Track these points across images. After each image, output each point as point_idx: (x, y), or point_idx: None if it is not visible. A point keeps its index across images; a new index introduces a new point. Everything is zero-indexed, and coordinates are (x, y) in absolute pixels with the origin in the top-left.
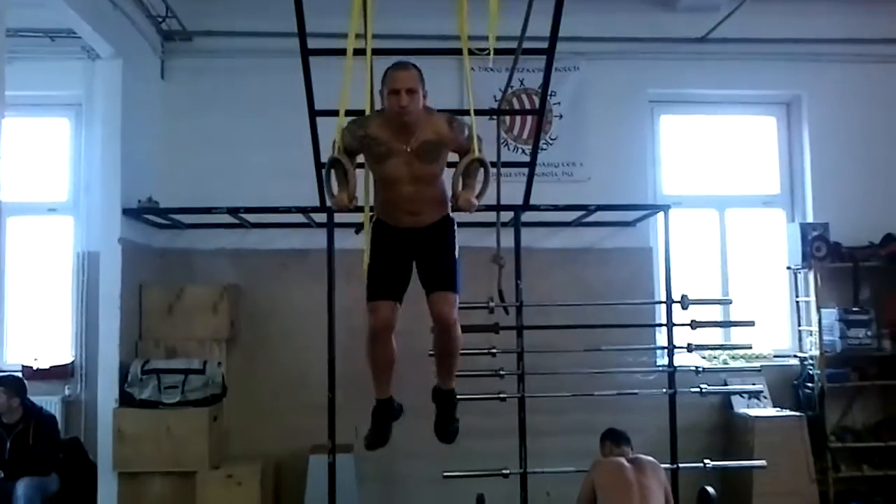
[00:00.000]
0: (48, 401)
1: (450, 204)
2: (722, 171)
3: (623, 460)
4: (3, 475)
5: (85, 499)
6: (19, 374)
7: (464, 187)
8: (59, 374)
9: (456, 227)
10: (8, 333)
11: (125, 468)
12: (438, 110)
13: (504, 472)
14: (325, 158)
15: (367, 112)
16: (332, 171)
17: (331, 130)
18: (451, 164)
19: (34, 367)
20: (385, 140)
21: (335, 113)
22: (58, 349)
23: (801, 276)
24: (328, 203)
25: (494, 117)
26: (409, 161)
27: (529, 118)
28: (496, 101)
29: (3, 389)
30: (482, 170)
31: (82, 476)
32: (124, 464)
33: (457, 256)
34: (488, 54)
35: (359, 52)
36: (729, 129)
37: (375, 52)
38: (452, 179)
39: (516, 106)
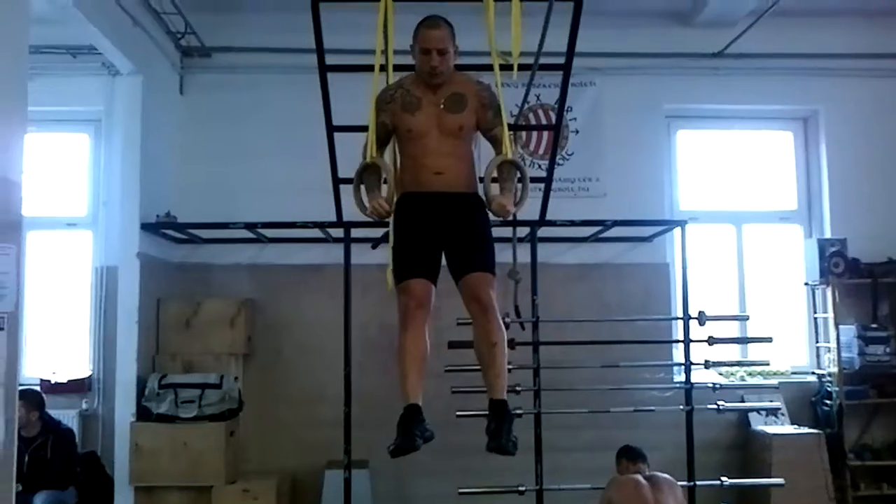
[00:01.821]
0: (66, 414)
1: (477, 184)
2: (739, 187)
3: (640, 477)
4: (21, 488)
5: None
6: (37, 388)
7: (501, 192)
8: (76, 387)
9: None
10: (27, 347)
11: (142, 482)
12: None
13: (520, 489)
14: (344, 173)
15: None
16: (362, 183)
17: (348, 146)
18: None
19: (52, 381)
20: (416, 92)
21: (353, 129)
22: (76, 363)
23: (818, 293)
24: (364, 213)
25: (511, 133)
26: (437, 114)
27: (546, 133)
28: (512, 116)
29: (22, 403)
30: (519, 174)
31: (99, 490)
32: (141, 478)
33: (490, 235)
34: (511, 69)
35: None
36: (746, 144)
37: (396, 68)
38: (484, 181)
39: (532, 121)
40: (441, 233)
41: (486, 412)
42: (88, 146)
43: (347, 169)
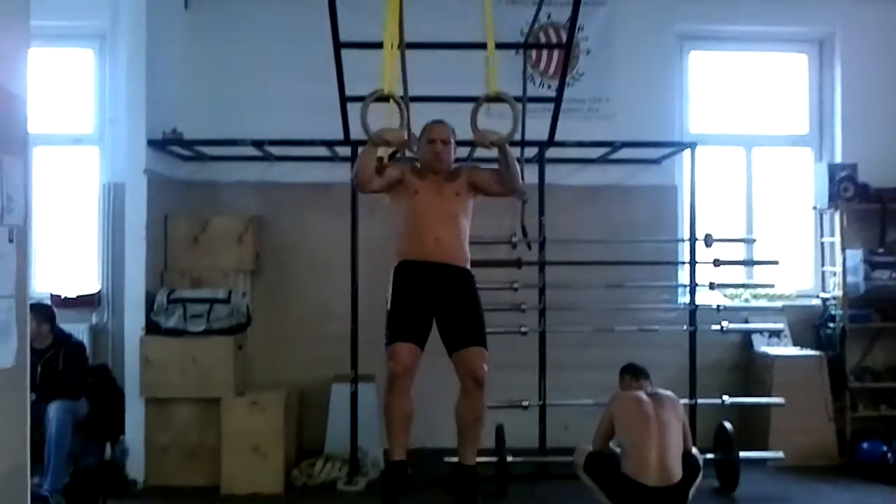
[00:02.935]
0: (76, 329)
1: (469, 262)
2: (750, 109)
3: (642, 394)
4: (35, 398)
5: (113, 423)
6: (45, 302)
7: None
8: (86, 303)
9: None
10: (37, 263)
11: (152, 394)
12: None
13: (523, 404)
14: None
15: (387, 45)
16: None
17: (356, 63)
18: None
19: (62, 296)
20: (417, 179)
21: (361, 45)
22: (85, 279)
23: (826, 217)
24: (381, 139)
25: (521, 52)
26: (437, 184)
27: (556, 53)
28: (523, 35)
29: (33, 316)
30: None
31: (111, 401)
32: (151, 390)
33: (482, 312)
34: None
35: None
36: (759, 66)
37: None
38: (471, 116)
39: (543, 41)
40: (434, 303)
41: (496, 331)
42: (93, 61)
43: (355, 87)
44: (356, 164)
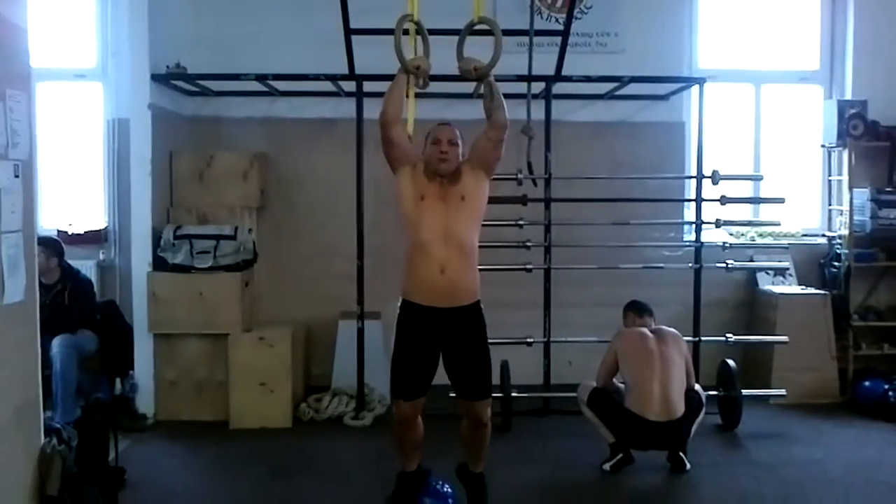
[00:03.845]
0: (84, 265)
1: (478, 289)
2: (760, 45)
3: (646, 330)
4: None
5: (122, 358)
6: (54, 237)
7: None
8: (93, 239)
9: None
10: (43, 199)
11: (160, 330)
12: None
13: (528, 340)
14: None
15: None
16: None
17: None
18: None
19: (69, 233)
20: (425, 179)
21: None
22: (92, 215)
23: (835, 155)
24: (410, 64)
25: None
26: (443, 200)
27: None
28: None
29: (41, 249)
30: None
31: (119, 337)
32: (159, 326)
33: (488, 355)
34: None
35: None
36: (769, 0)
37: None
38: (457, 48)
39: None
40: (441, 344)
41: (502, 267)
42: None
43: (359, 20)
44: (386, 97)
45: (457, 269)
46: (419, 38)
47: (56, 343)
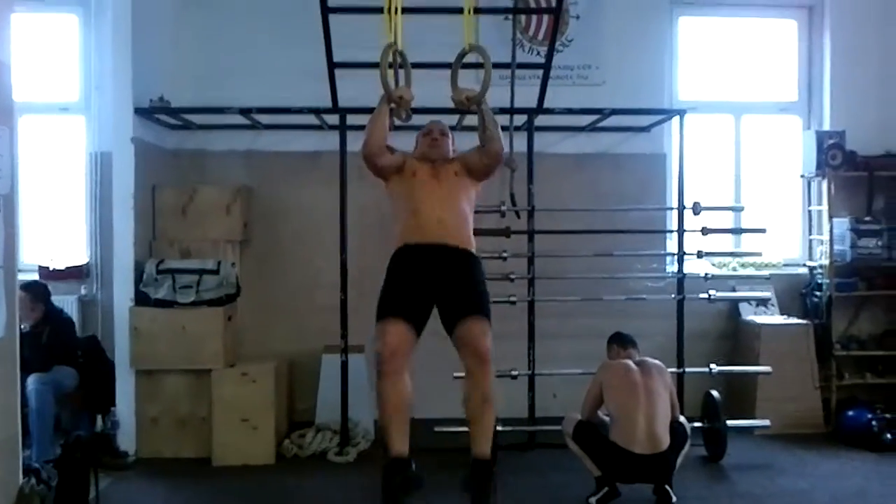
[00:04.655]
0: (65, 300)
1: (474, 245)
2: (739, 76)
3: (630, 363)
4: None
5: (103, 394)
6: (40, 280)
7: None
8: (75, 274)
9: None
10: (25, 234)
11: (142, 366)
12: None
13: (513, 373)
14: (339, 57)
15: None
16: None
17: (345, 30)
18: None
19: (50, 268)
20: (417, 162)
21: (349, 10)
22: (73, 249)
23: (814, 185)
24: (395, 94)
25: (510, 17)
26: (434, 169)
27: (546, 18)
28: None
29: (29, 297)
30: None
31: (100, 373)
32: (141, 361)
33: (486, 290)
34: None
35: None
36: (749, 32)
37: None
38: (452, 72)
39: (533, 5)
40: (435, 286)
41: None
42: (78, 27)
43: (342, 54)
44: (368, 127)
45: (452, 224)
46: (402, 70)
47: (31, 380)
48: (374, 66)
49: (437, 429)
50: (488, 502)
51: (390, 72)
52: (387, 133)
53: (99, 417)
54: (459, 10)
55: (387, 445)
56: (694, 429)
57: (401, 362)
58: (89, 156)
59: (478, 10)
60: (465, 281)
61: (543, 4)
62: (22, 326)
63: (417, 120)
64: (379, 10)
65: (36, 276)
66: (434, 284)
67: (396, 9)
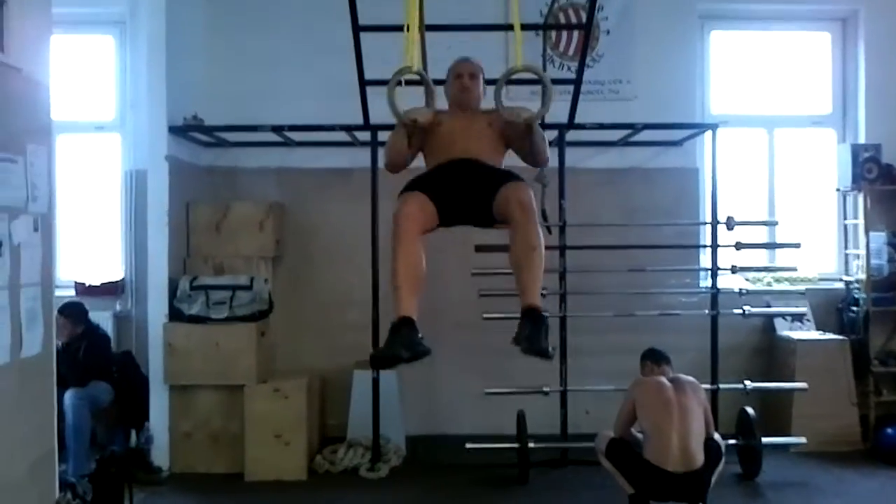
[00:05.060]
0: (100, 316)
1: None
2: (772, 90)
3: (663, 379)
4: None
5: (138, 410)
6: (78, 300)
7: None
8: (110, 290)
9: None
10: (61, 251)
11: (176, 381)
12: None
13: (544, 389)
14: (371, 75)
15: (410, 28)
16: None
17: (376, 47)
18: None
19: (86, 284)
20: (447, 119)
21: (380, 28)
22: (109, 266)
23: (850, 199)
24: (396, 113)
25: (540, 33)
26: (467, 119)
27: (576, 34)
28: (542, 16)
29: (68, 322)
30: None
31: (135, 388)
32: (175, 377)
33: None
34: None
35: None
36: (781, 45)
37: None
38: (496, 92)
39: (563, 21)
40: (464, 184)
41: (515, 315)
42: (113, 48)
43: (374, 71)
44: (386, 147)
45: (483, 153)
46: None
47: (68, 396)
48: (405, 83)
49: (468, 445)
50: (542, 347)
51: (405, 91)
52: (406, 153)
53: (133, 432)
54: (491, 28)
55: (396, 305)
56: (728, 446)
57: (416, 226)
58: (125, 173)
59: (508, 27)
60: (493, 173)
61: (573, 20)
62: (59, 342)
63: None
64: (399, 28)
65: (72, 292)
66: (464, 182)
67: (418, 28)
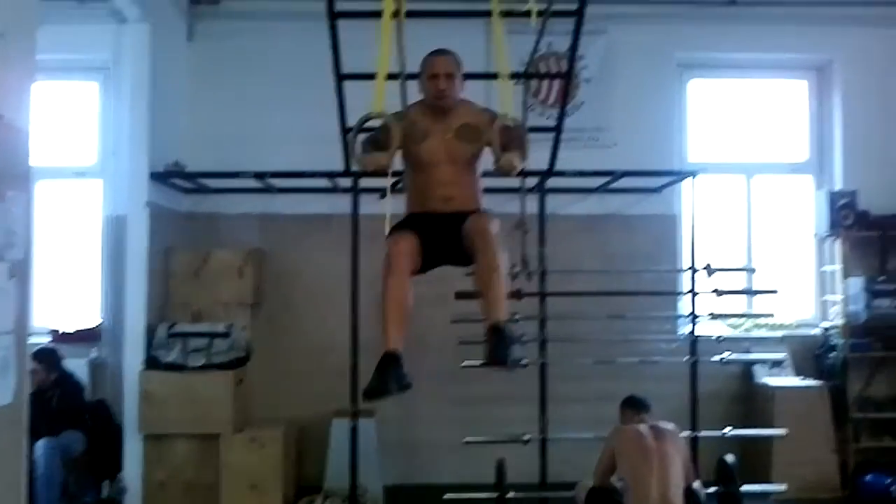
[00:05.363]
0: (76, 363)
1: (482, 202)
2: (750, 137)
3: (643, 427)
4: None
5: (111, 459)
6: (53, 346)
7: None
8: (86, 337)
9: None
10: (38, 296)
11: (151, 430)
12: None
13: (524, 438)
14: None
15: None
16: (360, 135)
17: (358, 95)
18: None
19: (62, 330)
20: (423, 123)
21: (362, 77)
22: (86, 312)
23: (827, 245)
24: (360, 165)
25: (521, 81)
26: (446, 142)
27: (556, 82)
28: (523, 64)
29: (42, 367)
30: (518, 133)
31: (108, 437)
32: (150, 426)
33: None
34: (528, 15)
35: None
36: (758, 93)
37: (409, 14)
38: (492, 147)
39: (543, 70)
40: (443, 235)
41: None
42: (97, 94)
43: (356, 118)
44: (361, 163)
45: (461, 196)
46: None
47: (40, 445)
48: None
49: (447, 496)
50: (501, 356)
51: (386, 85)
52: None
53: (106, 482)
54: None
55: (384, 339)
56: (709, 494)
57: (408, 264)
58: (104, 219)
59: (492, 76)
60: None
61: (554, 69)
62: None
63: None
64: (394, 77)
65: (48, 339)
66: (443, 233)
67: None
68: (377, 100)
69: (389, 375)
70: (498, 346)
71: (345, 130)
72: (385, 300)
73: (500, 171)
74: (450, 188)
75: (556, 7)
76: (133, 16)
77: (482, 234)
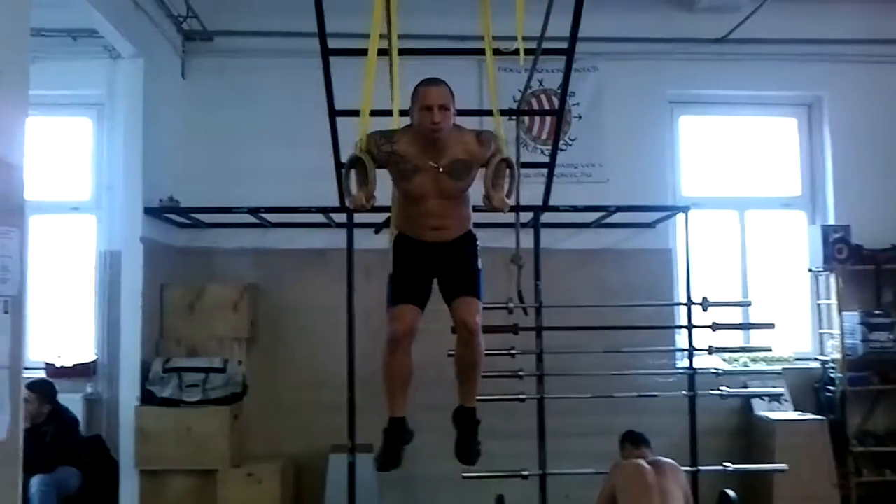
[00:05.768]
0: (71, 398)
1: (471, 221)
2: (742, 173)
3: (643, 462)
4: None
5: (107, 496)
6: (49, 379)
7: (494, 187)
8: (82, 372)
9: (478, 242)
10: (33, 332)
11: (147, 466)
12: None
13: (523, 473)
14: (345, 158)
15: (393, 112)
16: (353, 170)
17: (351, 131)
18: None
19: (57, 366)
20: (413, 157)
21: (355, 113)
22: (81, 347)
23: (822, 279)
24: (346, 202)
25: (514, 118)
26: (437, 178)
27: (549, 119)
28: (515, 101)
29: (35, 397)
30: (508, 170)
31: (104, 473)
32: (146, 462)
33: (479, 268)
34: (517, 53)
35: (381, 52)
36: (749, 130)
37: (401, 52)
38: (484, 182)
39: (535, 107)
40: (434, 268)
41: (489, 397)
42: (91, 130)
43: (348, 153)
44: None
45: (450, 226)
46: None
47: (35, 482)
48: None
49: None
50: (473, 447)
51: (371, 121)
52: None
53: None
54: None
55: (391, 407)
56: None
57: (410, 339)
58: (99, 254)
59: (486, 112)
60: (461, 261)
61: (546, 105)
62: (25, 425)
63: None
64: (387, 113)
65: (43, 374)
66: (434, 267)
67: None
68: (362, 138)
69: (398, 443)
70: (467, 443)
71: (339, 165)
72: (388, 375)
73: (492, 209)
74: (440, 220)
75: (547, 45)
76: (127, 52)
77: (468, 328)
